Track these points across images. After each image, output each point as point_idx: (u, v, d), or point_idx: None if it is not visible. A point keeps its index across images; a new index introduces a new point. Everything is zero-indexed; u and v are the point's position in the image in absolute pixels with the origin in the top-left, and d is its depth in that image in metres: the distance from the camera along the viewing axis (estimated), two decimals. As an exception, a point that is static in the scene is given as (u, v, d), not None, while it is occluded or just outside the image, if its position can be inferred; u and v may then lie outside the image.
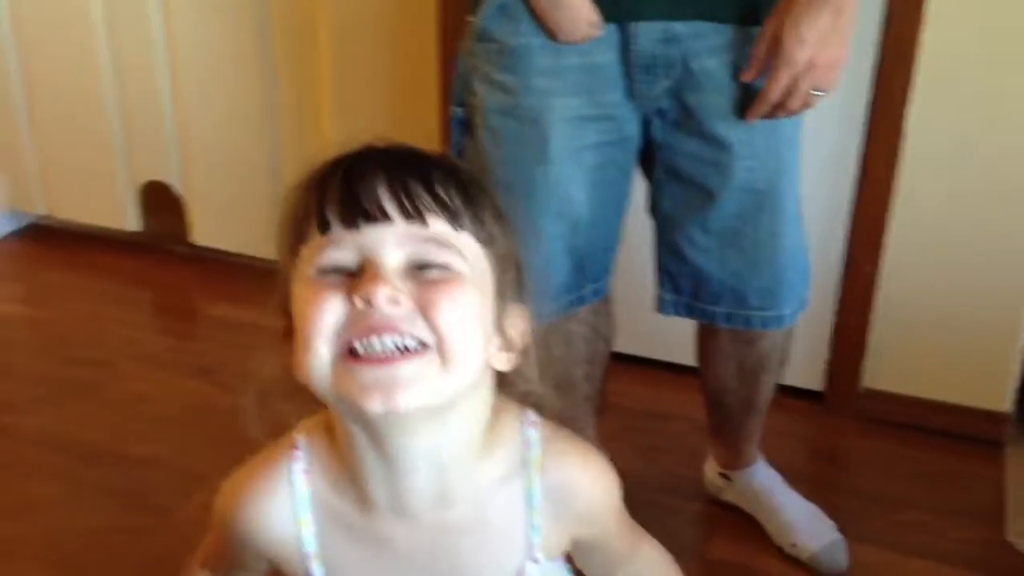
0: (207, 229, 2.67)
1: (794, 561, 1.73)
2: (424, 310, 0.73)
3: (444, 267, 0.75)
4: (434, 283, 0.74)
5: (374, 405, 0.74)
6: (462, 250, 0.76)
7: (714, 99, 1.37)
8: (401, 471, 0.82)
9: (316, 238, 0.76)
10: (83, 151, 2.69)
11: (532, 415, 0.89)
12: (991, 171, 1.89)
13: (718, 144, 1.39)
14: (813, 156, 1.96)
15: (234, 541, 0.94)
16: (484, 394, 0.84)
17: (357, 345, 0.73)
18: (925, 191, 1.94)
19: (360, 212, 0.73)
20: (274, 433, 0.93)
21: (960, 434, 2.04)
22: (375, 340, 0.73)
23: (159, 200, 2.71)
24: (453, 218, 0.75)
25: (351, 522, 0.87)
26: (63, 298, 2.59)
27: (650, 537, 1.07)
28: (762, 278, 1.48)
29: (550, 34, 1.33)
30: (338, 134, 2.35)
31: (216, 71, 2.49)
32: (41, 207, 2.81)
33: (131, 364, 2.30)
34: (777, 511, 1.76)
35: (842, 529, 1.77)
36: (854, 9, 1.30)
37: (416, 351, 0.74)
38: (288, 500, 0.87)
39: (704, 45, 1.35)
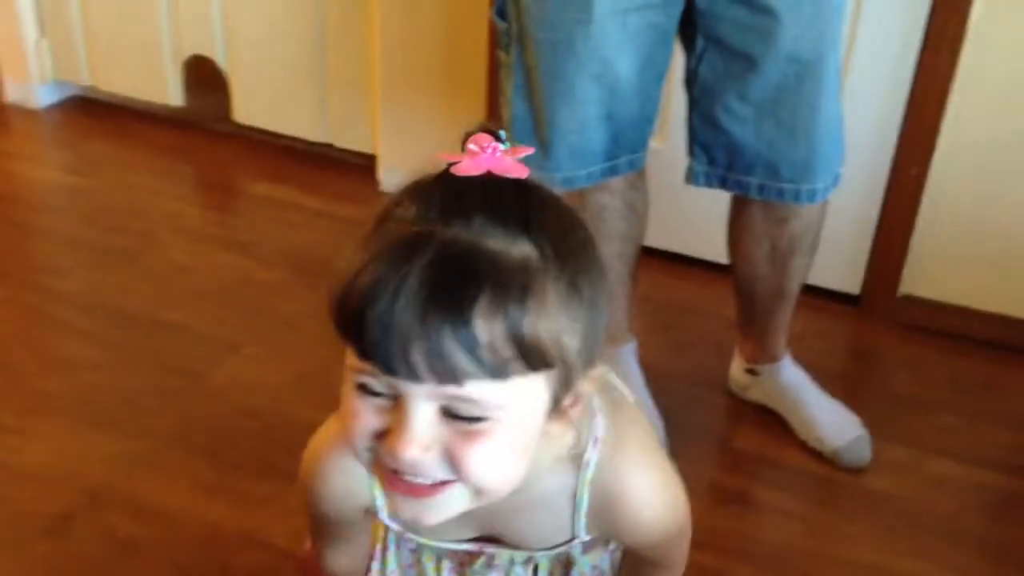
0: (249, 108, 2.65)
1: (817, 454, 1.73)
2: (452, 461, 0.71)
3: (477, 419, 0.69)
4: (465, 435, 0.70)
5: (406, 517, 0.78)
6: (500, 402, 0.69)
7: None
8: None
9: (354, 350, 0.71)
10: (129, 23, 2.67)
11: (599, 417, 0.86)
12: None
13: (764, 11, 1.36)
14: (872, 50, 1.91)
15: (320, 514, 0.98)
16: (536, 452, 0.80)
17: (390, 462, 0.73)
18: (979, 96, 1.88)
19: (391, 369, 0.67)
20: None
21: (998, 343, 2.01)
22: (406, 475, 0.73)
23: (203, 76, 2.69)
24: (496, 374, 0.67)
25: None
26: (106, 168, 2.61)
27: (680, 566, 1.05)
28: (797, 150, 1.47)
29: None
30: (385, 15, 2.32)
31: (263, -56, 2.45)
32: (86, 78, 2.81)
33: (170, 235, 2.32)
34: (802, 406, 1.76)
35: (870, 427, 1.77)
36: None
37: (446, 483, 0.73)
38: (357, 472, 0.87)
39: None
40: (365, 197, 2.47)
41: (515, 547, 0.94)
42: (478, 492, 0.74)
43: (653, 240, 1.83)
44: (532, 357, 0.67)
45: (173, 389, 1.84)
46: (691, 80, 1.49)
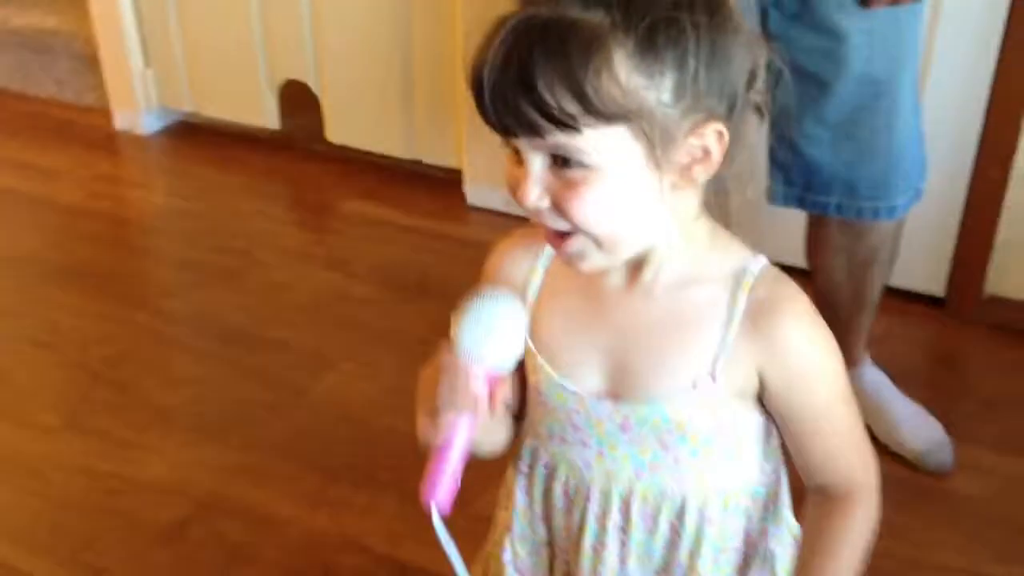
0: (342, 128, 2.77)
1: (900, 459, 1.75)
2: (560, 210, 0.80)
3: (579, 163, 0.78)
4: (567, 184, 0.79)
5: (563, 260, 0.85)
6: (587, 149, 0.77)
7: None
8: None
9: None
10: (226, 50, 2.81)
11: (765, 259, 0.89)
12: None
13: (833, 34, 1.39)
14: (951, 53, 1.92)
15: (484, 280, 1.00)
16: (674, 220, 0.85)
17: None
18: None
19: (494, 127, 0.79)
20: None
21: (1085, 342, 2.00)
22: None
23: (297, 99, 2.82)
24: (567, 126, 0.75)
25: (571, 285, 0.92)
26: (209, 191, 2.75)
27: (872, 489, 0.94)
28: (874, 168, 1.49)
29: None
30: (468, 33, 2.39)
31: (350, -28, 2.55)
32: (188, 105, 2.97)
33: (270, 254, 2.45)
34: (884, 410, 1.77)
35: (955, 432, 1.78)
36: None
37: (569, 233, 0.81)
38: (533, 253, 0.94)
39: None
40: (453, 212, 2.56)
41: (643, 400, 0.89)
42: (597, 242, 0.81)
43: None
44: (600, 112, 0.75)
45: (276, 403, 1.95)
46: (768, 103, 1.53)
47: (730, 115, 0.81)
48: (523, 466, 0.99)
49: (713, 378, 0.86)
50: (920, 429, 1.75)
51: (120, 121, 3.04)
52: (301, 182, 2.80)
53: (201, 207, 2.67)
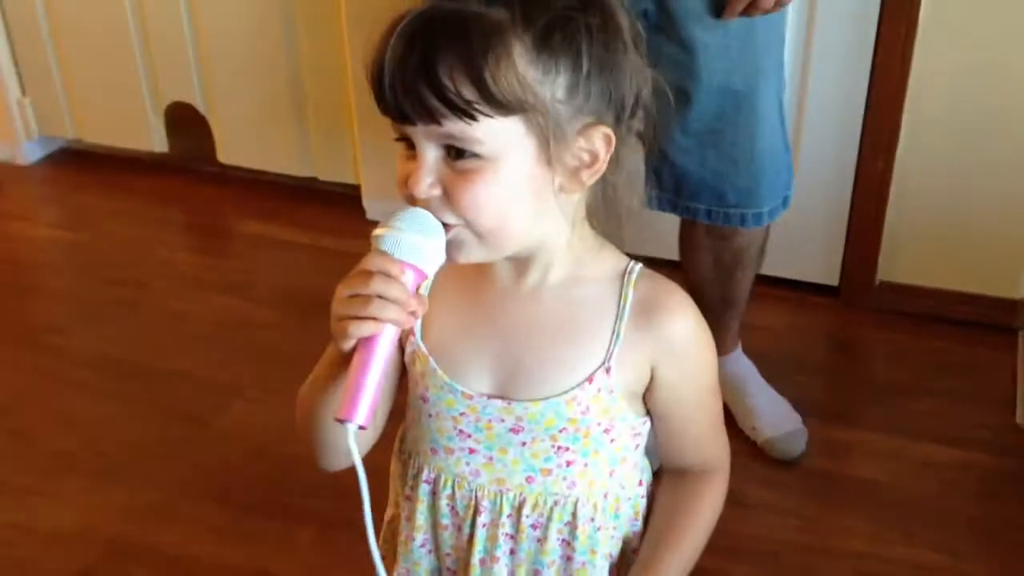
0: (233, 148, 2.71)
1: (752, 444, 1.81)
2: (450, 199, 0.81)
3: (471, 155, 0.80)
4: (459, 174, 0.80)
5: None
6: (480, 138, 0.79)
7: (691, 2, 1.40)
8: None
9: None
10: (108, 75, 2.73)
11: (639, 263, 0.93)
12: (1007, 60, 1.88)
13: (691, 47, 1.43)
14: (828, 51, 1.97)
15: None
16: (563, 221, 0.87)
17: None
18: (937, 82, 1.94)
19: (391, 114, 0.81)
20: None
21: (975, 322, 2.08)
22: None
23: (184, 121, 2.75)
24: (464, 113, 0.77)
25: (461, 286, 0.93)
26: (97, 220, 2.66)
27: (726, 472, 1.01)
28: (740, 177, 1.54)
29: None
30: (357, 46, 2.37)
31: (231, -11, 2.50)
32: (70, 131, 2.87)
33: (166, 282, 2.38)
34: (744, 396, 1.85)
35: (853, 418, 1.84)
36: None
37: (453, 224, 0.82)
38: None
39: None
40: (352, 228, 2.52)
41: (539, 397, 0.90)
42: (481, 235, 0.82)
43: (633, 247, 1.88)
44: (496, 101, 0.77)
45: (181, 437, 1.90)
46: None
47: (617, 123, 0.85)
48: (404, 490, 1.00)
49: (608, 372, 0.89)
50: (774, 418, 1.82)
51: (-1, 152, 2.93)
52: (194, 206, 2.74)
53: (89, 237, 2.59)
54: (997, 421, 1.85)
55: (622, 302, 0.89)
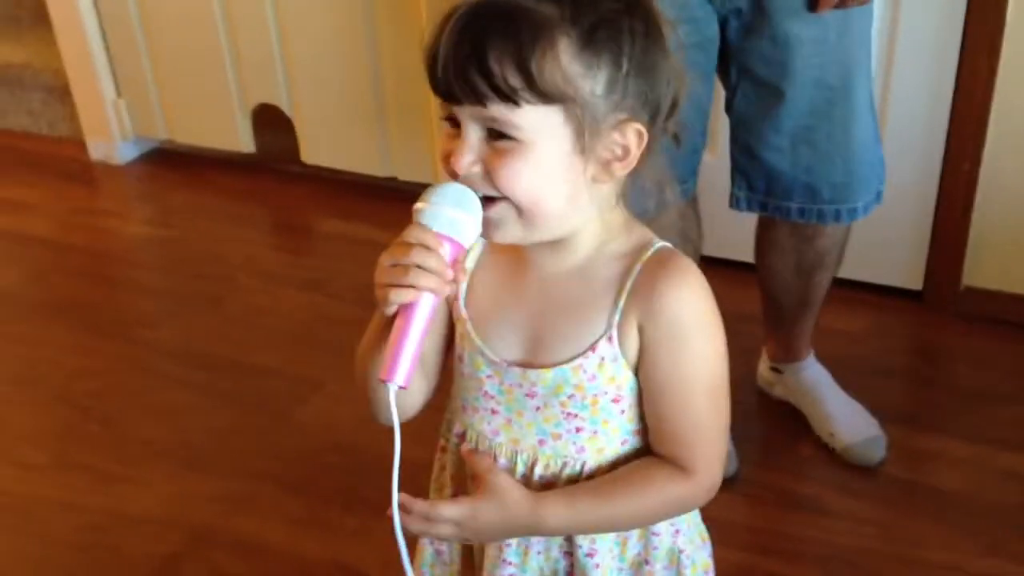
0: (316, 148, 2.77)
1: (828, 451, 1.80)
2: (489, 176, 0.86)
3: (510, 138, 0.84)
4: (498, 153, 0.85)
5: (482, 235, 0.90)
6: (521, 124, 0.84)
7: None
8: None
9: None
10: (198, 78, 2.81)
11: (668, 243, 0.96)
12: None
13: (788, 43, 1.42)
14: (913, 54, 1.94)
15: None
16: (594, 210, 0.91)
17: None
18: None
19: (441, 94, 0.86)
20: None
21: (1062, 330, 2.02)
22: None
23: (270, 122, 2.82)
24: (508, 98, 0.82)
25: (504, 261, 0.98)
26: (186, 218, 2.75)
27: (707, 474, 0.96)
28: (835, 172, 1.52)
29: None
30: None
31: (317, -7, 2.56)
32: (163, 132, 2.97)
33: (250, 279, 2.45)
34: (821, 403, 1.82)
35: (935, 424, 1.81)
36: None
37: (495, 200, 0.87)
38: None
39: None
40: (431, 228, 2.56)
41: (551, 365, 0.95)
42: (519, 211, 0.87)
43: (711, 250, 1.87)
44: (539, 90, 0.83)
45: (262, 428, 1.95)
46: (730, 111, 1.55)
47: (652, 122, 0.88)
48: (441, 440, 1.07)
49: (610, 340, 0.92)
50: (853, 424, 1.80)
51: (95, 151, 3.03)
52: (278, 204, 2.80)
53: (179, 234, 2.68)
54: (1082, 431, 1.81)
55: (629, 274, 0.92)
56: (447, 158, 0.87)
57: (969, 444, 1.80)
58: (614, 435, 0.97)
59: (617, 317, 0.92)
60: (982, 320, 2.08)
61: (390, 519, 0.93)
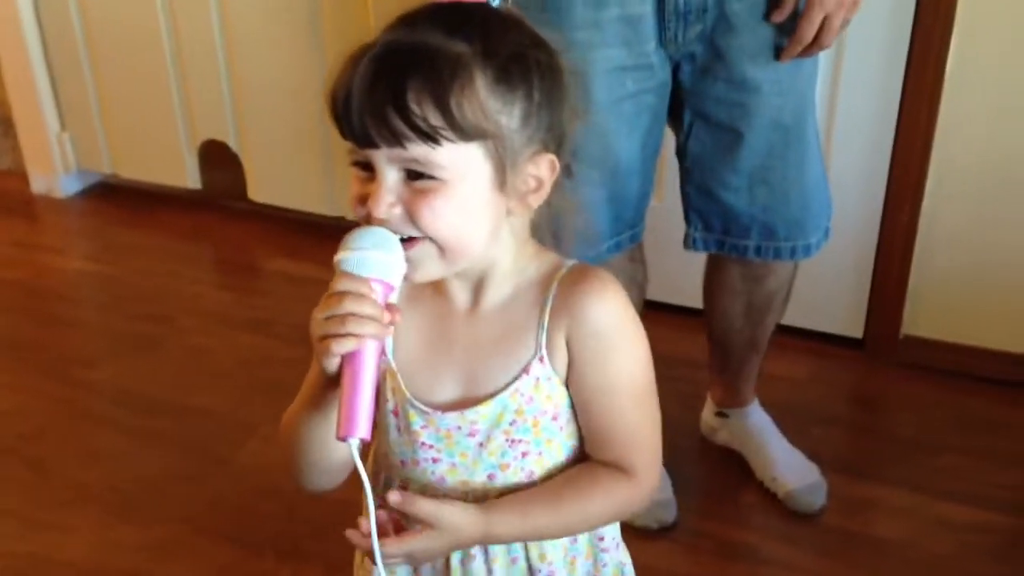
0: (264, 186, 2.75)
1: (766, 498, 1.80)
2: (411, 217, 0.85)
3: (430, 177, 0.84)
4: (419, 192, 0.85)
5: None
6: (442, 163, 0.83)
7: (745, 41, 1.41)
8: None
9: None
10: (145, 112, 2.78)
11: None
12: (1031, 115, 1.87)
13: (746, 86, 1.44)
14: (854, 103, 1.97)
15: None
16: (512, 242, 0.93)
17: None
18: (964, 136, 1.92)
19: (355, 138, 0.85)
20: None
21: (1001, 380, 2.04)
22: None
23: (218, 158, 2.80)
24: (429, 138, 0.82)
25: (424, 309, 0.97)
26: (129, 254, 2.70)
27: (647, 475, 0.98)
28: (790, 210, 1.54)
29: None
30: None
31: (268, 33, 2.55)
32: (107, 166, 2.93)
33: (193, 318, 2.41)
34: (764, 448, 1.84)
35: (875, 474, 1.81)
36: None
37: (414, 240, 0.86)
38: None
39: None
40: (377, 268, 2.55)
41: (486, 397, 0.94)
42: (440, 250, 0.87)
43: (656, 294, 1.88)
44: (460, 128, 0.83)
45: (198, 474, 1.91)
46: (682, 153, 1.56)
47: (558, 152, 0.91)
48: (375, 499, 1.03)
49: (542, 360, 0.94)
50: (796, 470, 1.80)
51: (37, 185, 2.99)
52: (224, 242, 2.77)
53: (120, 271, 2.63)
54: (1019, 481, 1.82)
55: (548, 293, 0.94)
56: (361, 201, 0.86)
57: (907, 493, 1.81)
58: (558, 452, 0.97)
59: (543, 336, 0.93)
60: (922, 369, 2.10)
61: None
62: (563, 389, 0.95)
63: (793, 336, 2.15)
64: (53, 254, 2.76)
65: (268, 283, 2.62)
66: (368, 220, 0.86)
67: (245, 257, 2.72)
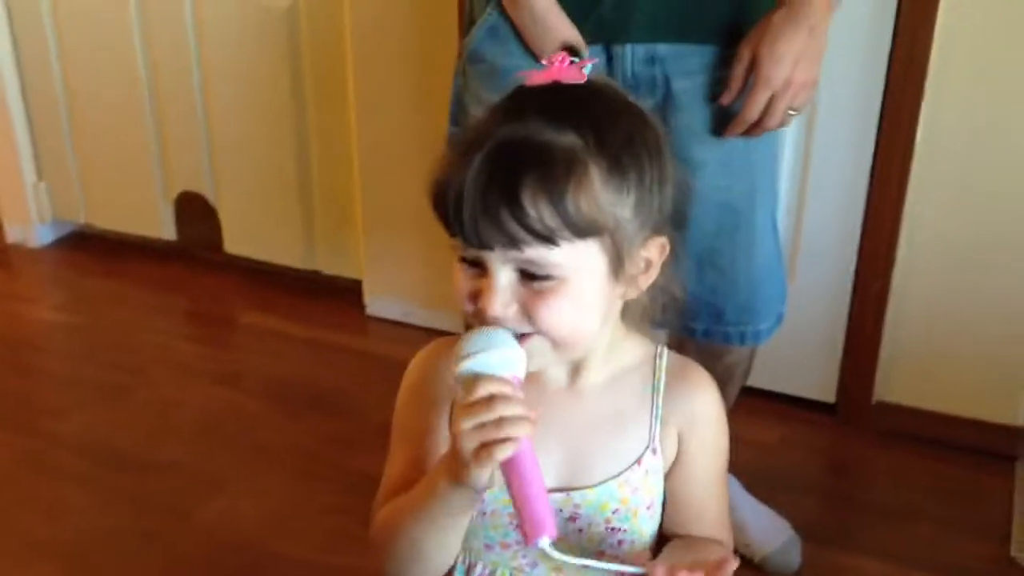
0: (240, 238, 2.74)
1: (747, 562, 1.76)
2: (528, 314, 0.84)
3: (546, 278, 0.83)
4: (537, 294, 0.83)
5: None
6: (559, 262, 0.82)
7: (692, 120, 1.41)
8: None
9: None
10: (121, 163, 2.78)
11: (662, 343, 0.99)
12: (1000, 185, 1.88)
13: (691, 164, 1.42)
14: (826, 174, 1.98)
15: (408, 400, 0.99)
16: (609, 324, 0.92)
17: None
18: (935, 206, 1.94)
19: (468, 240, 0.82)
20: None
21: (973, 448, 2.03)
22: None
23: (194, 210, 2.79)
24: (546, 240, 0.80)
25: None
26: (101, 305, 2.68)
27: (731, 547, 1.01)
28: (739, 294, 1.52)
29: (536, 56, 1.37)
30: (364, 146, 2.41)
31: (247, 87, 2.56)
32: (82, 216, 2.92)
33: (163, 371, 2.39)
34: (733, 512, 1.78)
35: (847, 541, 1.80)
36: (825, 29, 1.34)
37: (527, 335, 0.85)
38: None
39: (685, 66, 1.39)
40: (351, 323, 2.54)
41: (595, 484, 0.94)
42: (555, 343, 0.85)
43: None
44: (577, 227, 0.80)
45: (159, 530, 1.88)
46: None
47: (669, 231, 0.90)
48: None
49: (654, 452, 0.94)
50: (767, 531, 1.78)
51: (12, 234, 2.97)
52: (198, 294, 2.75)
53: (92, 321, 2.61)
54: (990, 552, 1.80)
55: (656, 382, 0.95)
56: (472, 299, 0.85)
57: (881, 562, 1.79)
58: (647, 539, 0.98)
59: (658, 426, 0.94)
60: (895, 435, 2.09)
61: None
62: (662, 479, 0.96)
63: (765, 399, 2.14)
64: (26, 303, 2.73)
65: (241, 336, 2.60)
66: (479, 316, 0.84)
67: (218, 309, 2.70)
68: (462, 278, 0.86)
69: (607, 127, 0.83)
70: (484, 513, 0.95)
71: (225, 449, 2.08)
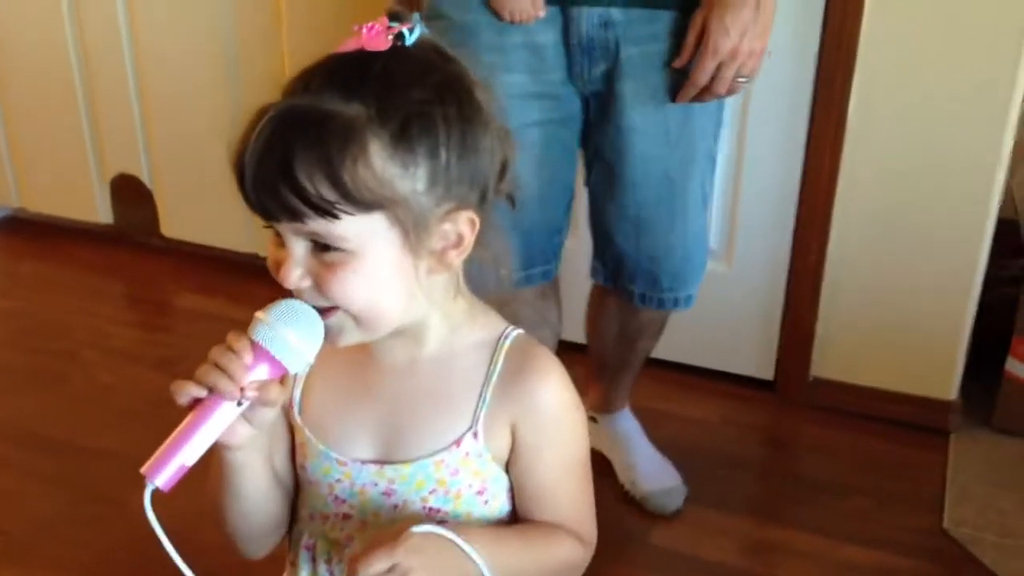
0: (177, 221, 2.70)
1: (630, 499, 1.85)
2: (320, 289, 0.83)
3: (335, 249, 0.81)
4: (327, 265, 0.82)
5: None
6: (345, 235, 0.80)
7: (637, 87, 1.42)
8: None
9: None
10: (55, 145, 2.73)
11: (520, 330, 0.96)
12: (934, 160, 1.90)
13: (629, 131, 1.45)
14: (762, 150, 2.00)
15: None
16: (441, 297, 0.90)
17: None
18: (868, 182, 1.96)
19: (258, 213, 0.82)
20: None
21: (907, 422, 2.06)
22: None
23: (130, 193, 2.74)
24: (326, 213, 0.78)
25: (339, 362, 0.94)
26: (35, 289, 2.63)
27: (592, 540, 0.99)
28: (673, 261, 1.56)
29: (496, 12, 1.38)
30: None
31: (181, 67, 2.51)
32: (15, 200, 2.86)
33: (97, 355, 2.35)
34: (628, 453, 1.89)
35: (784, 516, 1.82)
36: (773, 3, 1.37)
37: (331, 309, 0.84)
38: None
39: (638, 32, 1.40)
40: (291, 306, 2.51)
41: (410, 460, 0.92)
42: (355, 318, 0.84)
43: (572, 335, 1.86)
44: (356, 200, 0.79)
45: (92, 517, 1.84)
46: (588, 187, 1.57)
47: (482, 203, 0.86)
48: (289, 555, 1.02)
49: (475, 435, 0.91)
50: (655, 474, 1.87)
51: (-59, 218, 2.91)
52: (135, 278, 2.71)
53: (24, 306, 2.56)
54: (924, 524, 1.83)
55: (492, 367, 0.92)
56: (276, 267, 0.84)
57: (813, 536, 1.81)
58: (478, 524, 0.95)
59: (483, 411, 0.91)
60: (830, 411, 2.12)
61: None
62: (495, 466, 0.93)
63: (705, 377, 2.16)
64: (-45, 289, 2.67)
65: (178, 320, 2.57)
66: (284, 284, 0.83)
67: (156, 293, 2.66)
68: (270, 246, 0.86)
69: (396, 96, 0.80)
70: (309, 483, 0.96)
71: (162, 435, 2.03)
